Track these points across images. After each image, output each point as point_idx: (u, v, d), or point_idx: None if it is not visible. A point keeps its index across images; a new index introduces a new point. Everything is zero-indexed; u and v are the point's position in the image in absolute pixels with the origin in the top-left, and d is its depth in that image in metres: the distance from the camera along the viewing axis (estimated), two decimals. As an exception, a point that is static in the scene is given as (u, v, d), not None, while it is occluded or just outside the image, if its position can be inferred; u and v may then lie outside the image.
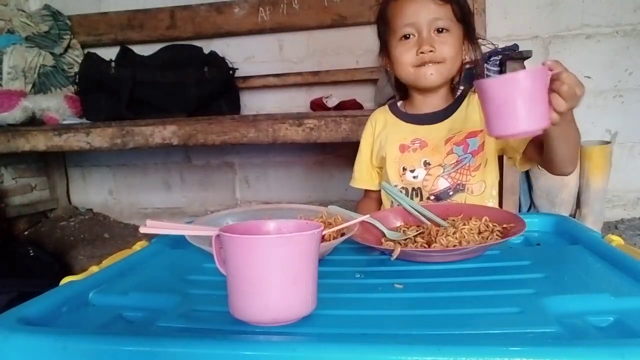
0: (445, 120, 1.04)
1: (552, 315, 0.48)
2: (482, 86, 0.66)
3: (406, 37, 0.99)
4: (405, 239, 0.74)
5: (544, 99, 0.66)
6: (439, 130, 1.04)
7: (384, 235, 0.77)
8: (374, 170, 1.14)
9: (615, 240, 0.69)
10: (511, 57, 1.56)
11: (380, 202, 1.13)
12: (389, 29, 1.02)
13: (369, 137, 1.14)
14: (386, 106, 1.15)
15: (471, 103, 1.05)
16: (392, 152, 1.06)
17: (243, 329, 0.48)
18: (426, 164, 1.02)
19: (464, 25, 1.01)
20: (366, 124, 1.16)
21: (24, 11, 2.44)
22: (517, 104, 0.64)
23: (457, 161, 1.01)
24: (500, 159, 1.09)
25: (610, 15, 2.06)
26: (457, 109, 1.05)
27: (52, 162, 2.61)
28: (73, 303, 0.56)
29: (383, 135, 1.10)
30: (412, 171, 1.03)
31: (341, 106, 2.07)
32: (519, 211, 1.83)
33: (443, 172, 1.02)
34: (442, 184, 1.01)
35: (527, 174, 2.05)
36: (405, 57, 1.00)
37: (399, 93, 1.14)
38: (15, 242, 2.19)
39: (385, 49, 1.06)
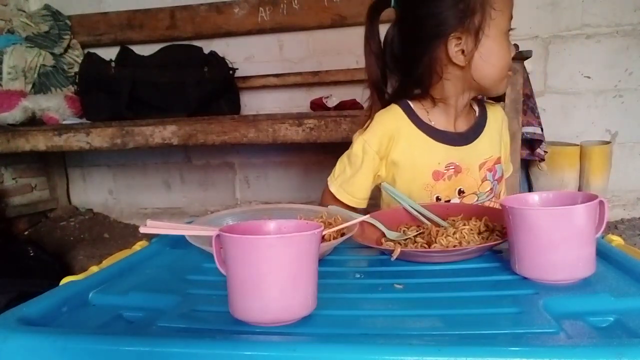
0: (475, 141, 0.94)
1: (552, 315, 0.48)
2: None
3: (509, 31, 0.85)
4: (405, 239, 0.74)
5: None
6: (472, 152, 0.93)
7: (384, 235, 0.77)
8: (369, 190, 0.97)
9: (615, 240, 0.69)
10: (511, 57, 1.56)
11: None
12: (492, 11, 0.83)
13: (376, 155, 0.92)
14: (400, 111, 0.93)
15: (490, 122, 0.97)
16: (423, 178, 0.91)
17: (243, 329, 0.48)
18: (460, 192, 0.92)
19: None
20: (370, 134, 0.92)
21: (24, 11, 2.44)
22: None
23: (490, 189, 0.94)
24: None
25: (610, 15, 2.06)
26: (483, 128, 0.95)
27: (52, 162, 2.61)
28: (73, 303, 0.56)
29: (401, 150, 0.92)
30: (447, 201, 0.92)
31: (341, 106, 2.07)
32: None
33: (477, 200, 0.93)
34: None
35: (527, 174, 2.05)
36: (508, 56, 0.86)
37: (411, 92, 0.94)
38: (15, 242, 2.19)
39: (471, 32, 0.83)
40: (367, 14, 0.93)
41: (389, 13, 0.95)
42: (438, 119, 0.93)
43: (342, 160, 0.99)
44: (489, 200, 0.95)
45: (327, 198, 0.99)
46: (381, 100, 0.97)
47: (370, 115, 0.96)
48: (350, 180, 0.96)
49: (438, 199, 0.93)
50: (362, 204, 0.97)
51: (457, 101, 0.92)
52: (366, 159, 0.94)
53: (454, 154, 0.92)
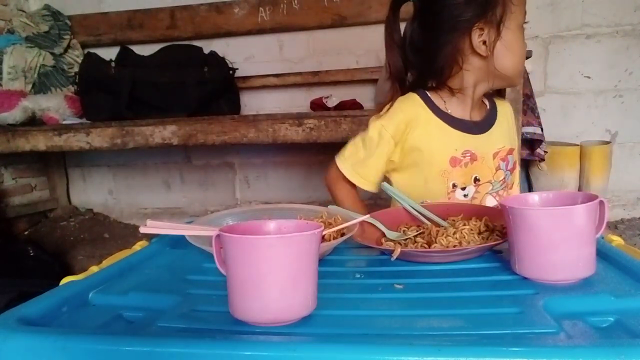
0: (489, 131, 0.96)
1: (552, 315, 0.48)
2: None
3: (523, 25, 0.91)
4: (406, 239, 0.74)
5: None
6: (486, 141, 0.95)
7: (384, 235, 0.77)
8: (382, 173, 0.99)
9: (615, 240, 0.69)
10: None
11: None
12: (511, 5, 0.88)
13: (391, 139, 0.94)
14: (418, 98, 0.96)
15: (501, 115, 1.00)
16: (440, 164, 0.92)
17: (243, 329, 0.48)
18: (476, 180, 0.93)
19: None
20: (387, 119, 0.94)
21: (24, 11, 2.44)
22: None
23: (503, 179, 0.96)
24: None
25: (610, 15, 2.06)
26: (495, 120, 0.98)
27: (52, 162, 2.61)
28: (73, 303, 0.56)
29: (419, 136, 0.94)
30: (463, 189, 0.93)
31: (341, 106, 2.07)
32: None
33: (492, 189, 0.95)
34: (491, 202, 0.95)
35: (527, 174, 2.05)
36: (524, 46, 0.92)
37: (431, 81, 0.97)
38: (15, 242, 2.19)
39: (493, 24, 0.87)
40: (389, 6, 0.95)
41: (406, 9, 0.97)
42: (455, 108, 0.96)
43: (355, 143, 1.00)
44: (502, 189, 0.97)
45: (334, 178, 1.02)
46: (403, 92, 0.99)
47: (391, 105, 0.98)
48: (364, 162, 0.97)
49: (454, 185, 0.94)
50: (373, 188, 0.99)
51: (474, 92, 0.95)
52: (381, 142, 0.95)
53: (470, 141, 0.94)
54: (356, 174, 0.98)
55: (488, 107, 1.01)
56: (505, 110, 1.04)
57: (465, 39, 0.89)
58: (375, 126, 0.96)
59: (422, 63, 0.96)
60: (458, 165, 0.93)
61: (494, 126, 0.98)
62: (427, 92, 0.97)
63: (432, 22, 0.92)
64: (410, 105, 0.95)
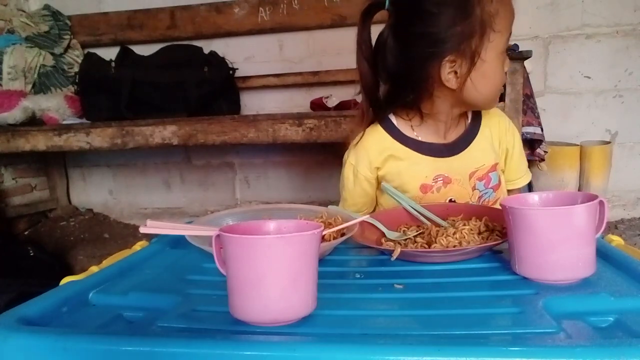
0: (465, 151, 0.92)
1: (552, 315, 0.48)
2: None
3: (506, 49, 0.83)
4: (405, 239, 0.74)
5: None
6: (461, 162, 0.91)
7: (384, 235, 0.77)
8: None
9: (615, 240, 0.69)
10: (511, 57, 1.56)
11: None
12: (491, 33, 0.79)
13: (368, 175, 0.94)
14: (382, 131, 0.93)
15: (484, 129, 0.94)
16: (411, 192, 0.91)
17: (243, 329, 0.48)
18: (451, 202, 0.91)
19: None
20: (355, 160, 0.94)
21: (24, 11, 2.44)
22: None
23: (479, 197, 0.93)
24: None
25: (610, 15, 2.06)
26: (474, 137, 0.94)
27: (52, 162, 2.61)
28: (73, 303, 0.56)
29: (388, 168, 0.92)
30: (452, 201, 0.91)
31: (341, 106, 2.07)
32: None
33: None
34: None
35: (527, 174, 2.05)
36: (502, 77, 0.84)
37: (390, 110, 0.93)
38: (15, 242, 2.19)
39: (466, 56, 0.80)
40: (359, 17, 0.89)
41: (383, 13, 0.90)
42: (425, 133, 0.93)
43: (340, 180, 1.01)
44: None
45: None
46: (373, 107, 0.94)
47: (362, 121, 0.95)
48: (346, 201, 1.00)
49: None
50: (370, 210, 1.01)
51: (447, 117, 0.91)
52: (357, 181, 0.96)
53: (441, 165, 0.91)
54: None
55: (469, 120, 0.95)
56: (491, 121, 0.96)
57: (435, 69, 0.83)
58: (348, 166, 0.97)
59: (392, 83, 0.91)
60: (429, 192, 0.91)
61: (472, 144, 0.93)
62: (394, 119, 0.93)
63: (403, 44, 0.85)
64: (374, 144, 0.93)
